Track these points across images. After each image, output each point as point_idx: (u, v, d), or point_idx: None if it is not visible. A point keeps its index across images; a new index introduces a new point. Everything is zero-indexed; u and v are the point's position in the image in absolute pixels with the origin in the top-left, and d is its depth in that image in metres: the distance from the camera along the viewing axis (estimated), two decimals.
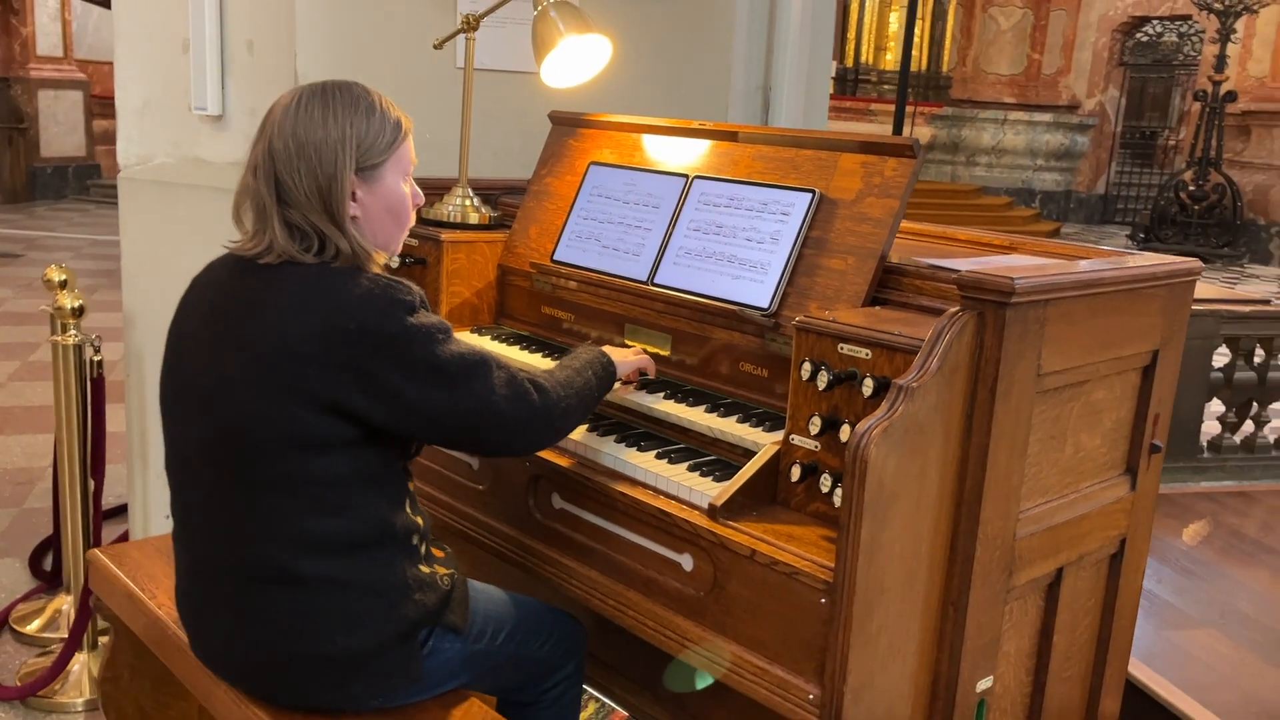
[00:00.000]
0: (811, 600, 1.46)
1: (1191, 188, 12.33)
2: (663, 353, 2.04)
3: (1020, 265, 1.67)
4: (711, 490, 1.65)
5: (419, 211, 2.50)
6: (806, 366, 1.59)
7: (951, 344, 1.45)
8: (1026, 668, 1.76)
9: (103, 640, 2.90)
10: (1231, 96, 12.05)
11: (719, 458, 1.79)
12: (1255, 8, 11.72)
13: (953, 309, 1.48)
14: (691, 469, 1.74)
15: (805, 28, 3.28)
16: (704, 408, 1.86)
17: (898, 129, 4.71)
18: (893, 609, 1.47)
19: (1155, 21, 14.99)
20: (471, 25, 2.34)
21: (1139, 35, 15.28)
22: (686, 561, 1.65)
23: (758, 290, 1.87)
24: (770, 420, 1.79)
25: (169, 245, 3.11)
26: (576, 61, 2.23)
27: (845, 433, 1.53)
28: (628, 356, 1.91)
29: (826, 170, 1.88)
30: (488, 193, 2.51)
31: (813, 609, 1.46)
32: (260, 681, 1.60)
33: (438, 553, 1.70)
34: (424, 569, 1.63)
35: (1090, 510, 1.74)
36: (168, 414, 1.64)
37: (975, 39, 15.47)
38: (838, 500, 1.53)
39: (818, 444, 1.60)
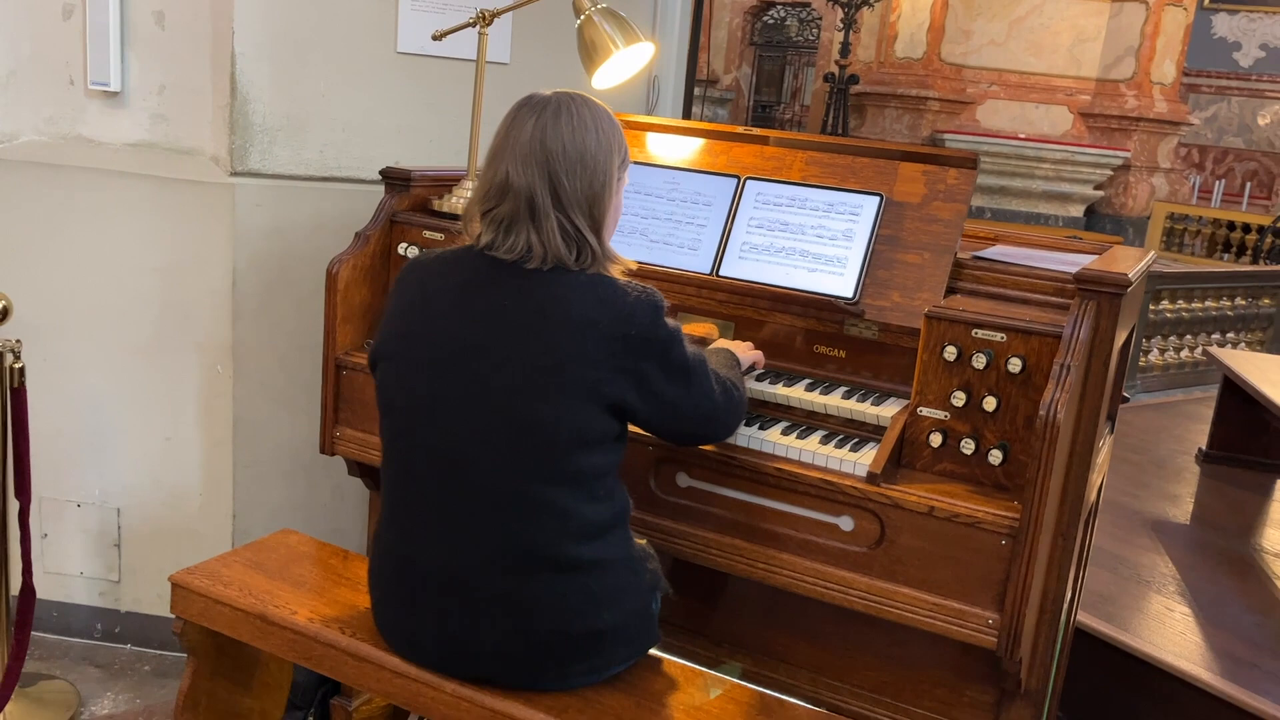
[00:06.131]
0: (992, 544, 1.77)
1: None
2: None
3: (1063, 259, 2.07)
4: (861, 459, 1.90)
5: (429, 204, 2.50)
6: (951, 350, 1.88)
7: (1086, 328, 1.80)
8: (1068, 581, 2.19)
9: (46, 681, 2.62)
10: (855, 79, 13.68)
11: (830, 430, 2.03)
12: (873, 2, 13.36)
13: (1074, 300, 1.84)
14: (823, 442, 1.98)
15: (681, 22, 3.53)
16: (803, 386, 2.10)
17: (686, 112, 5.04)
18: (1045, 542, 1.81)
19: (779, 7, 16.53)
20: (486, 20, 2.36)
21: (765, 18, 16.77)
22: (845, 523, 1.89)
23: (839, 282, 2.12)
24: (871, 394, 2.06)
25: (43, 233, 2.81)
26: (622, 68, 2.34)
27: (990, 403, 1.85)
28: (744, 351, 2.06)
29: (887, 177, 2.17)
30: None
31: (994, 550, 1.77)
32: (513, 670, 1.66)
33: None
34: (637, 541, 1.77)
35: (1104, 453, 2.19)
36: (423, 415, 1.63)
37: None
38: (994, 460, 1.84)
39: (947, 413, 1.91)
